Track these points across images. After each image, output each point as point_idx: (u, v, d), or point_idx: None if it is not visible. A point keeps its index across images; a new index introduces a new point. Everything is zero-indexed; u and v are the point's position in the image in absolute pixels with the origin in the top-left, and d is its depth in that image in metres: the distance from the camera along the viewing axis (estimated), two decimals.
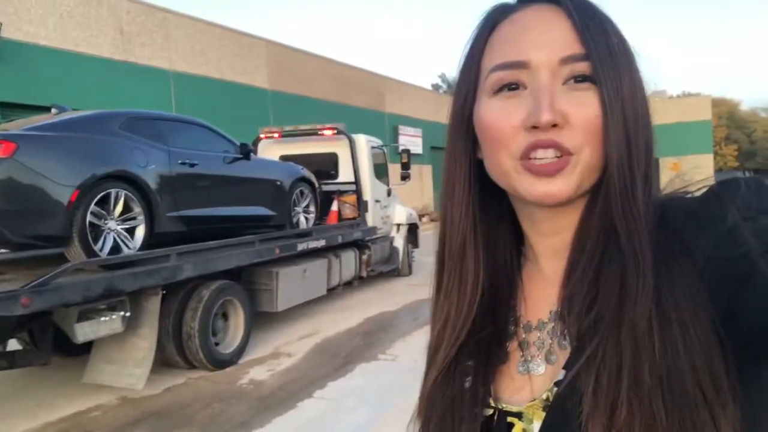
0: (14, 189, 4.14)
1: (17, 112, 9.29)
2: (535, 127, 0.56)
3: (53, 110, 5.30)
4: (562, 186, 0.57)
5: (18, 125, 4.75)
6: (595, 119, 0.56)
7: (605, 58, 0.56)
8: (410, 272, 10.51)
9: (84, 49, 11.99)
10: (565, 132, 0.56)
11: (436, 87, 47.85)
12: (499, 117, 0.59)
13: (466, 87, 0.64)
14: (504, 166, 0.60)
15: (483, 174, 0.65)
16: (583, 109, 0.56)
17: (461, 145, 0.66)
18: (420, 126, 24.52)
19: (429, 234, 10.91)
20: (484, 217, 0.68)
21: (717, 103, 39.71)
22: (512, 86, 0.59)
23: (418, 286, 8.96)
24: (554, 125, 0.56)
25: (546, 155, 0.57)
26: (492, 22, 0.63)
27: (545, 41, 0.58)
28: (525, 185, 0.58)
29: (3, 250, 5.41)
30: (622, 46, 0.58)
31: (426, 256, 10.23)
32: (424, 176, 24.15)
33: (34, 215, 4.27)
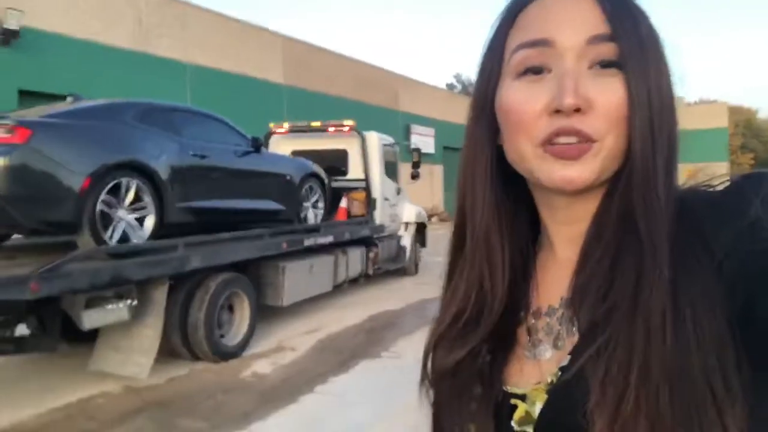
0: (28, 175, 4.19)
1: (36, 100, 9.41)
2: (557, 112, 0.55)
3: (69, 99, 5.37)
4: (582, 171, 0.56)
5: (35, 113, 4.82)
6: (620, 106, 0.55)
7: (633, 43, 0.55)
8: (416, 271, 10.52)
9: (102, 39, 12.11)
10: (588, 118, 0.55)
11: (450, 87, 47.73)
12: (522, 100, 0.58)
13: (490, 68, 0.63)
14: (524, 151, 0.59)
15: (501, 161, 0.64)
16: (608, 95, 0.55)
17: (482, 129, 0.66)
18: (433, 125, 24.48)
19: (437, 234, 10.89)
20: (504, 205, 0.67)
21: (734, 111, 39.23)
22: (536, 70, 0.58)
23: (424, 285, 8.96)
24: (577, 110, 0.55)
25: (569, 140, 0.56)
26: (520, 4, 0.62)
27: (572, 21, 0.57)
28: (544, 170, 0.58)
29: (16, 235, 5.51)
30: (651, 34, 0.58)
31: (433, 256, 10.22)
32: (434, 176, 24.07)
33: (46, 201, 4.32)
